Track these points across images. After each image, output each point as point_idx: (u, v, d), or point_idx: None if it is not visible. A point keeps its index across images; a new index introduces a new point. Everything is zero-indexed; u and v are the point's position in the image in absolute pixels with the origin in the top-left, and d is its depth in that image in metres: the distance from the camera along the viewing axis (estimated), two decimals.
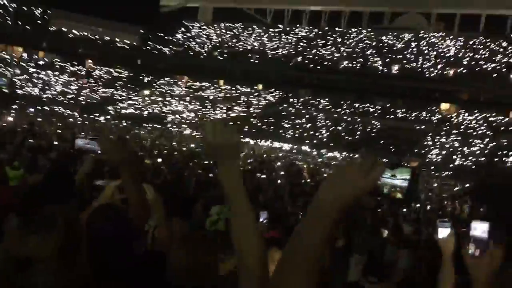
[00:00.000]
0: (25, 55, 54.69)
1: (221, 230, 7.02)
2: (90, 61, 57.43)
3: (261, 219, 7.48)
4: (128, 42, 59.57)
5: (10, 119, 24.97)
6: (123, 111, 50.46)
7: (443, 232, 2.25)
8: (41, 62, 54.89)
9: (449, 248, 2.21)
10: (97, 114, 45.36)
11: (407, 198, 15.29)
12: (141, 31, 59.82)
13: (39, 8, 57.04)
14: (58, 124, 26.08)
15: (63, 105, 46.99)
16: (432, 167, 35.02)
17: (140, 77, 57.95)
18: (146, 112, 51.03)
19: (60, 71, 54.69)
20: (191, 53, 60.20)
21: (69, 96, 50.58)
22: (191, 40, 62.21)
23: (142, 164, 11.89)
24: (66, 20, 56.70)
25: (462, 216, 16.56)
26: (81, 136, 12.76)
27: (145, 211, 1.84)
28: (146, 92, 55.98)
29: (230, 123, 1.31)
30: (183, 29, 63.63)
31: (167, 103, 53.98)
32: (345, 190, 1.04)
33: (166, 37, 61.57)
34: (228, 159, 1.29)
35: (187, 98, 55.14)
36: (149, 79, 58.00)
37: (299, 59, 55.37)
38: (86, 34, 58.26)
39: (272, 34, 59.92)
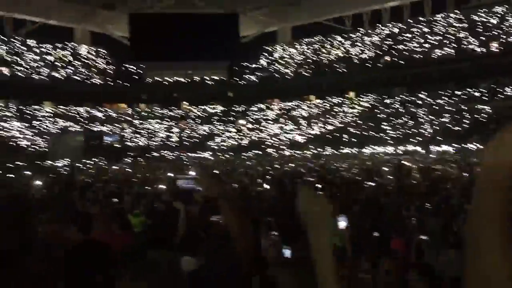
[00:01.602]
0: (129, 110, 59.15)
1: (337, 246, 6.90)
2: (185, 103, 60.56)
3: (344, 224, 7.32)
4: (217, 78, 62.04)
5: (128, 170, 26.88)
6: (222, 143, 52.27)
7: None
8: (144, 113, 58.99)
9: None
10: (200, 152, 47.39)
11: None
12: (227, 64, 61.94)
13: (133, 65, 61.58)
14: (166, 167, 27.55)
15: (169, 148, 49.82)
16: None
17: (234, 108, 59.86)
18: (245, 141, 52.36)
19: (161, 118, 58.29)
20: (278, 75, 61.07)
21: (172, 140, 53.61)
22: (275, 62, 63.17)
23: (248, 193, 12.11)
24: (158, 70, 60.60)
25: None
26: (180, 177, 13.53)
27: (247, 239, 1.88)
28: (242, 121, 57.56)
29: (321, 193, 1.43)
30: (266, 54, 64.92)
31: (263, 128, 55.00)
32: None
33: (251, 65, 63.21)
34: (317, 229, 1.38)
35: (282, 120, 55.76)
36: (243, 108, 59.66)
37: (388, 58, 53.68)
38: (177, 78, 61.70)
39: (355, 39, 58.86)
